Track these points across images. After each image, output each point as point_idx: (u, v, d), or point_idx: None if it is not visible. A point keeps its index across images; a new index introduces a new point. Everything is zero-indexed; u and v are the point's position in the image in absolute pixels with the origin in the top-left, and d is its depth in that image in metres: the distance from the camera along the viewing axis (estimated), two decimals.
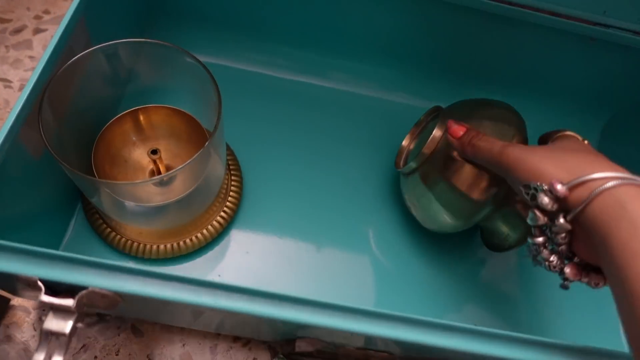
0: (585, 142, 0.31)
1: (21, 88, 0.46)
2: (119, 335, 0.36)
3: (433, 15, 0.43)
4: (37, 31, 0.49)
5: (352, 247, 0.41)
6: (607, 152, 0.48)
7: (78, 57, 0.29)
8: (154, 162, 0.35)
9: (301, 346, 0.30)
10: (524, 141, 0.35)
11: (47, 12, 0.50)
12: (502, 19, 0.41)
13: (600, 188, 0.23)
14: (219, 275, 0.38)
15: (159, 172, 0.36)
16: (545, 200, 0.25)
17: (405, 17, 0.44)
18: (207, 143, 0.29)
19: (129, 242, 0.36)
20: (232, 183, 0.41)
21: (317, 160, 0.44)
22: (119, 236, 0.36)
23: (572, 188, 0.24)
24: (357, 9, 0.44)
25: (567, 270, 0.26)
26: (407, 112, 0.44)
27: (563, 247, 0.26)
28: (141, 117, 0.36)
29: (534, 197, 0.26)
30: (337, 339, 0.29)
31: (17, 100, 0.27)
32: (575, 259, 0.26)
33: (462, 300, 0.40)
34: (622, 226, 0.22)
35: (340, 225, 0.42)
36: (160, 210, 0.35)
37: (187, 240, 0.37)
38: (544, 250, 0.27)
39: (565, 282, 0.27)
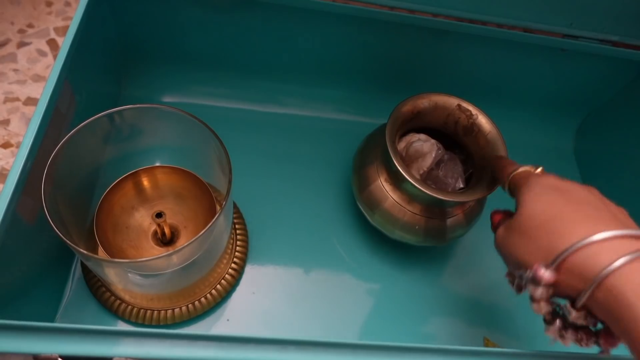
0: (539, 169, 0.29)
1: (6, 100, 0.46)
2: None
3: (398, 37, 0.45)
4: (21, 45, 0.50)
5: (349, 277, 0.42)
6: (583, 152, 0.54)
7: (80, 128, 0.29)
8: (158, 224, 0.35)
9: None
10: None
11: (30, 26, 0.51)
12: (479, 38, 0.44)
13: (600, 275, 0.21)
14: (228, 320, 0.38)
15: (163, 234, 0.36)
16: (537, 292, 0.23)
17: (349, 40, 0.46)
18: (220, 212, 0.29)
19: (136, 309, 0.36)
20: (238, 240, 0.41)
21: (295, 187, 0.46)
22: (124, 305, 0.36)
23: (557, 267, 0.22)
24: (303, 37, 0.46)
25: (601, 341, 0.23)
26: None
27: (585, 324, 0.23)
28: (140, 180, 0.37)
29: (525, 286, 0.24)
30: None
31: (12, 170, 0.27)
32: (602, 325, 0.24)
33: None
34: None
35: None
36: (167, 275, 0.35)
37: (197, 303, 0.37)
38: (569, 332, 0.24)
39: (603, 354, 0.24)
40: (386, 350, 0.25)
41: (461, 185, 0.39)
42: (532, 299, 0.23)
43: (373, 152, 0.40)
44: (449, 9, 0.41)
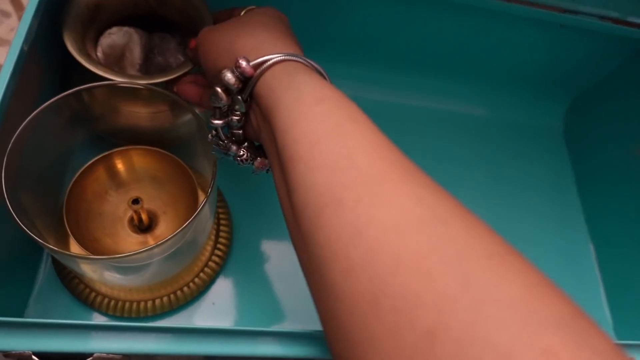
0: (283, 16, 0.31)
1: None
2: None
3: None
4: None
5: None
6: (573, 132, 0.55)
7: (43, 108, 0.28)
8: (135, 211, 0.34)
9: None
10: None
11: None
12: (476, 9, 0.44)
13: (272, 60, 0.24)
14: (213, 304, 0.38)
15: (140, 221, 0.35)
16: (229, 76, 0.24)
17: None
18: (203, 202, 0.28)
19: (113, 301, 0.35)
20: (221, 229, 0.40)
21: None
22: (100, 296, 0.35)
23: (256, 66, 0.24)
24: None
25: (256, 164, 0.28)
26: None
27: (238, 132, 0.27)
28: (113, 162, 0.35)
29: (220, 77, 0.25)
30: None
31: None
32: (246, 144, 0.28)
33: None
34: (288, 94, 0.22)
35: None
36: (147, 267, 0.34)
37: (179, 292, 0.36)
38: (233, 146, 0.28)
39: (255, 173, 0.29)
40: None
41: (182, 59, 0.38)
42: (222, 85, 0.25)
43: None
44: None
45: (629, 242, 0.45)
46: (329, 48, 0.49)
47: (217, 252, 0.39)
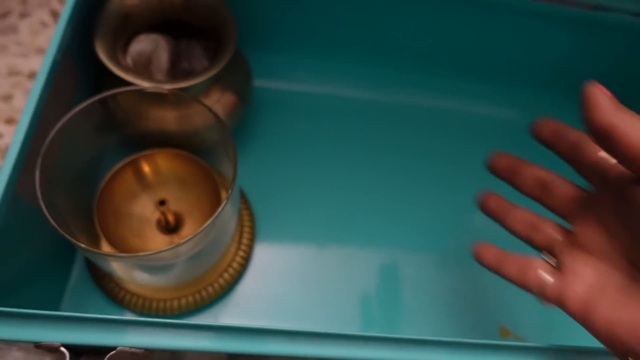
0: None
1: (9, 74, 0.47)
2: None
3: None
4: (22, 16, 0.50)
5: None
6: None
7: (73, 114, 0.30)
8: (162, 212, 0.35)
9: None
10: None
11: None
12: (507, 9, 0.43)
13: None
14: (238, 304, 0.39)
15: (167, 222, 0.37)
16: None
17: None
18: (226, 199, 0.29)
19: (141, 300, 0.36)
20: (245, 231, 0.41)
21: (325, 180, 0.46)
22: (129, 295, 0.37)
23: None
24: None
25: None
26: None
27: None
28: (141, 165, 0.37)
29: None
30: None
31: (10, 149, 0.28)
32: None
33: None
34: None
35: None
36: (174, 267, 0.35)
37: (203, 292, 0.37)
38: None
39: None
40: (395, 342, 0.25)
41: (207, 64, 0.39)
42: None
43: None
44: None
45: None
46: (356, 50, 0.50)
47: (240, 252, 0.40)
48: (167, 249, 0.29)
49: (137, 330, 0.24)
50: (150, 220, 0.37)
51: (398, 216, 0.45)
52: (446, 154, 0.50)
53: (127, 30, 0.38)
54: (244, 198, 0.43)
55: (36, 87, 0.29)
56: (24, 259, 0.31)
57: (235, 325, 0.24)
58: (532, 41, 0.48)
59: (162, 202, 0.35)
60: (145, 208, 0.37)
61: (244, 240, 0.40)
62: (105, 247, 0.35)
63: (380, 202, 0.46)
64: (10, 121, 0.45)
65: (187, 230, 0.38)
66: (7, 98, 0.46)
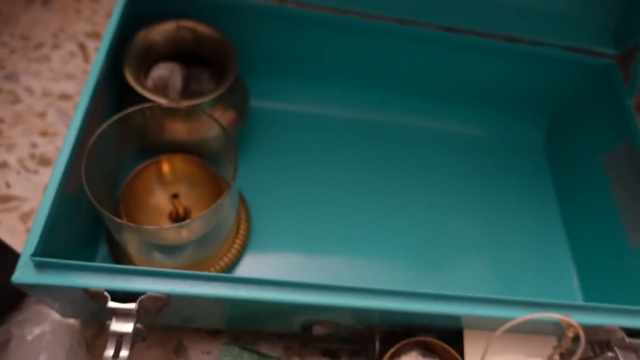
0: None
1: (43, 95, 0.57)
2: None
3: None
4: (54, 47, 0.60)
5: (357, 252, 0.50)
6: (553, 150, 0.63)
7: (119, 117, 0.38)
8: (174, 205, 0.43)
9: (317, 330, 0.38)
10: None
11: (62, 30, 0.62)
12: (457, 44, 0.53)
13: None
14: None
15: (177, 213, 0.45)
16: None
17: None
18: (224, 195, 0.38)
19: None
20: (241, 224, 0.49)
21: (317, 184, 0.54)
22: None
23: None
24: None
25: None
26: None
27: None
28: (163, 166, 0.45)
29: None
30: (346, 319, 0.38)
31: (62, 151, 0.36)
32: None
33: None
34: None
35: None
36: (178, 248, 0.43)
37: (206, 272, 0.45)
38: None
39: None
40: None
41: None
42: None
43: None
44: (423, 17, 0.51)
45: (597, 234, 0.52)
46: (340, 76, 0.59)
47: (238, 241, 0.48)
48: (172, 227, 0.37)
49: (161, 279, 0.32)
50: (164, 212, 0.45)
51: (377, 219, 0.53)
52: (422, 165, 0.59)
53: (149, 59, 0.47)
54: (242, 198, 0.51)
55: (82, 103, 0.38)
56: (64, 238, 0.39)
57: (242, 276, 0.33)
58: (495, 72, 0.57)
59: (175, 196, 0.43)
60: (160, 201, 0.45)
61: (241, 232, 0.48)
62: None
63: (359, 200, 0.54)
64: (44, 134, 0.54)
65: (194, 226, 0.46)
66: (42, 115, 0.55)
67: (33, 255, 0.31)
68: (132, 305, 0.31)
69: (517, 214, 0.58)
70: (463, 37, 0.53)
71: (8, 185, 0.50)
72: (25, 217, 0.48)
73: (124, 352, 0.31)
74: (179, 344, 0.45)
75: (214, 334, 0.46)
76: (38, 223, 0.32)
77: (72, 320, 0.43)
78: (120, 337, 0.32)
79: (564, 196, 0.59)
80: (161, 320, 0.40)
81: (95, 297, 0.32)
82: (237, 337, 0.45)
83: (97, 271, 0.32)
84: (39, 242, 0.32)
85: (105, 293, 0.31)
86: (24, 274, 0.31)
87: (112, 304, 0.31)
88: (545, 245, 0.56)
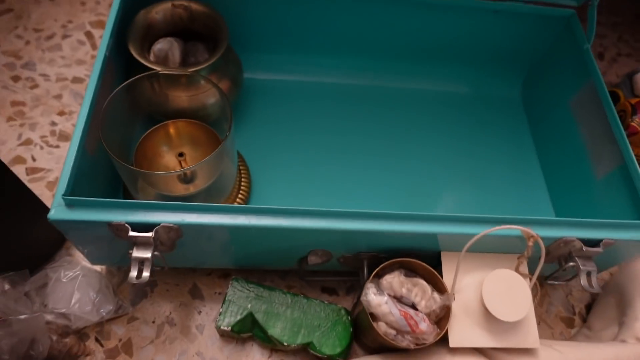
0: None
1: (57, 80, 0.63)
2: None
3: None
4: (64, 37, 0.67)
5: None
6: (529, 101, 0.68)
7: (129, 82, 0.44)
8: (180, 163, 0.49)
9: (312, 259, 0.44)
10: None
11: (70, 21, 0.68)
12: (429, 5, 0.58)
13: None
14: None
15: (185, 175, 0.50)
16: None
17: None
18: (219, 147, 0.43)
19: None
20: (242, 181, 0.55)
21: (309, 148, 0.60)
22: None
23: None
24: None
25: None
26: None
27: None
28: (170, 129, 0.51)
29: None
30: (336, 247, 0.43)
31: (79, 119, 0.42)
32: None
33: None
34: None
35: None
36: (187, 200, 0.48)
37: None
38: None
39: None
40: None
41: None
42: None
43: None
44: None
45: (568, 169, 0.57)
46: (322, 45, 0.64)
47: (240, 195, 0.53)
48: (175, 172, 0.43)
49: (173, 212, 0.38)
50: (173, 174, 0.51)
51: (368, 175, 0.59)
52: (409, 124, 0.64)
53: (150, 35, 0.53)
54: (242, 159, 0.56)
55: (93, 76, 0.44)
56: (87, 193, 0.45)
57: (240, 206, 0.38)
58: (472, 31, 0.62)
59: (181, 154, 0.49)
60: (169, 161, 0.51)
61: (243, 188, 0.54)
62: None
63: (350, 158, 0.59)
64: (61, 113, 0.60)
65: (199, 180, 0.52)
66: (58, 97, 0.61)
67: (64, 195, 0.37)
68: (149, 234, 0.37)
69: (499, 159, 0.63)
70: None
71: (34, 158, 0.56)
72: (51, 185, 0.54)
73: (146, 273, 0.37)
74: (194, 287, 0.51)
75: (224, 276, 0.51)
76: (65, 172, 0.38)
77: (99, 268, 0.49)
78: (141, 263, 0.38)
79: (540, 141, 0.63)
80: (177, 262, 0.46)
81: (118, 230, 0.38)
82: (244, 278, 0.51)
83: (118, 207, 0.37)
84: (68, 185, 0.37)
85: (126, 225, 0.37)
86: (57, 212, 0.37)
87: (132, 234, 0.37)
88: (524, 182, 0.61)
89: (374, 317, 0.41)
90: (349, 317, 0.47)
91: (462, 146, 0.63)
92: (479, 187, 0.60)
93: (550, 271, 0.47)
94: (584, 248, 0.42)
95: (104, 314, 0.45)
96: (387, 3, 0.59)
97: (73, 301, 0.44)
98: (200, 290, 0.50)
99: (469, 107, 0.67)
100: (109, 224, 0.37)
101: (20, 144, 0.57)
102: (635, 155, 0.60)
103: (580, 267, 0.43)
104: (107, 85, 0.46)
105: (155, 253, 0.38)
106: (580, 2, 0.57)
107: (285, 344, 0.44)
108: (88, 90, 0.43)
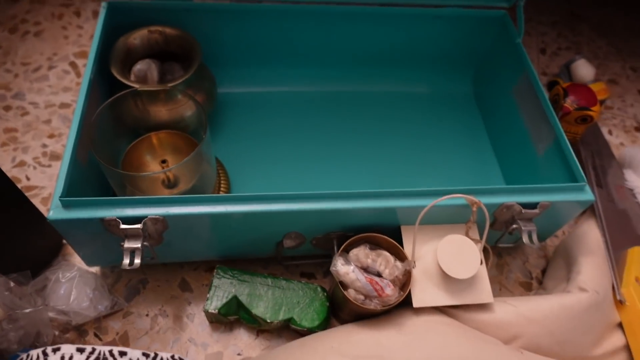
0: None
1: (46, 106, 0.68)
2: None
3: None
4: (50, 68, 0.72)
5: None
6: (479, 95, 0.74)
7: (114, 98, 0.49)
8: (163, 168, 0.54)
9: (287, 243, 0.49)
10: None
11: (55, 54, 0.74)
12: (376, 16, 0.65)
13: None
14: None
15: (167, 177, 0.56)
16: None
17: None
18: (197, 148, 0.48)
19: None
20: (222, 183, 0.60)
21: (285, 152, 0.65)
22: None
23: None
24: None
25: None
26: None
27: None
28: (153, 140, 0.56)
29: None
30: (307, 228, 0.49)
31: (70, 131, 0.47)
32: None
33: None
34: None
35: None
36: None
37: None
38: None
39: None
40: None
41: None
42: None
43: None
44: None
45: (515, 149, 0.63)
46: (296, 57, 0.70)
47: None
48: (159, 172, 0.48)
49: (158, 206, 0.43)
50: (157, 180, 0.56)
51: (339, 169, 0.64)
52: (375, 122, 0.70)
53: (129, 59, 0.59)
54: (219, 163, 0.62)
55: (80, 96, 0.49)
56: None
57: (218, 195, 0.43)
58: (420, 35, 0.69)
59: (164, 161, 0.54)
60: (154, 168, 0.56)
61: (222, 188, 0.59)
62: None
63: (321, 154, 0.65)
64: (51, 136, 0.65)
65: (181, 183, 0.57)
66: (47, 122, 0.66)
67: (61, 197, 0.42)
68: (138, 226, 0.42)
69: (457, 149, 0.69)
70: (395, 9, 0.64)
71: (28, 177, 0.61)
72: (45, 200, 0.59)
73: (137, 260, 0.42)
74: (183, 281, 0.55)
75: (210, 270, 0.56)
76: (61, 178, 0.43)
77: (94, 269, 0.53)
78: (132, 252, 0.42)
79: (491, 128, 0.70)
80: (165, 257, 0.51)
81: (110, 224, 0.42)
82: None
83: (109, 204, 0.42)
84: (64, 189, 0.42)
85: (117, 219, 0.42)
86: (55, 212, 0.41)
87: (123, 226, 0.42)
88: (480, 167, 0.68)
89: (344, 286, 0.46)
90: (325, 294, 0.51)
91: (424, 139, 0.70)
92: (439, 174, 0.66)
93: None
94: (523, 211, 0.48)
95: (101, 309, 0.50)
96: (344, 19, 0.65)
97: (72, 298, 0.48)
98: (189, 283, 0.55)
99: (428, 105, 0.74)
100: (102, 220, 0.42)
101: (15, 166, 0.62)
102: (569, 131, 0.67)
103: (522, 227, 0.48)
104: (94, 101, 0.52)
105: (145, 244, 0.43)
106: (511, 3, 0.64)
107: (269, 320, 0.49)
108: (78, 104, 0.48)
